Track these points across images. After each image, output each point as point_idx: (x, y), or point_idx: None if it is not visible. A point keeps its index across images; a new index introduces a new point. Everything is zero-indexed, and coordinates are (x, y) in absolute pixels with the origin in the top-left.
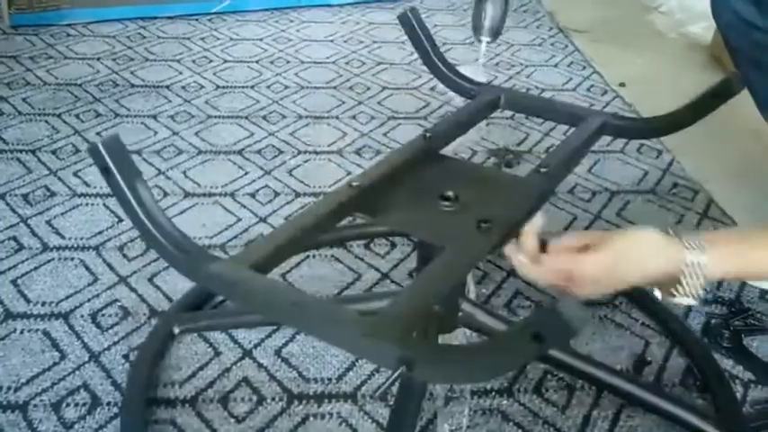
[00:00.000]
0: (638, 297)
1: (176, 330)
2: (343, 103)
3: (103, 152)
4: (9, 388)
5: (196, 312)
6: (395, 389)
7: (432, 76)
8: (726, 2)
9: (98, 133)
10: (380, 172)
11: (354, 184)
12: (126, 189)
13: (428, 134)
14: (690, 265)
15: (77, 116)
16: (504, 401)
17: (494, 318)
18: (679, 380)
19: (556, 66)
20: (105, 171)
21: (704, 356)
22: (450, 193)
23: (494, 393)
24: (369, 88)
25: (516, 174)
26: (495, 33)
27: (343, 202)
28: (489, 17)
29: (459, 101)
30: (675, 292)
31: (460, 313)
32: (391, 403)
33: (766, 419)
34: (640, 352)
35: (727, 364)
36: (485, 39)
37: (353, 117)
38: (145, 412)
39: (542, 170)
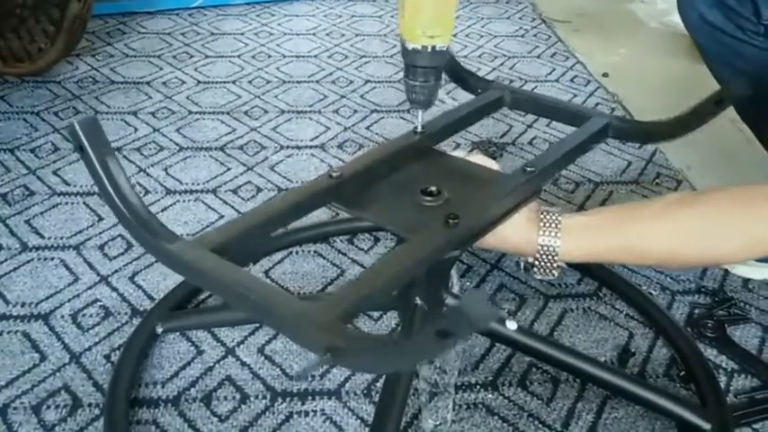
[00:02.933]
0: (622, 289)
1: (159, 330)
2: (326, 97)
3: (79, 132)
4: None
5: (179, 311)
6: (380, 384)
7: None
8: (691, 4)
9: None
10: (363, 164)
11: (334, 174)
12: (99, 167)
13: (418, 129)
14: (542, 247)
15: (56, 114)
16: (489, 395)
17: None
18: (663, 371)
19: (539, 57)
20: (80, 150)
21: (689, 347)
22: (432, 189)
23: (478, 387)
24: (351, 82)
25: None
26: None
27: (318, 192)
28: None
29: (442, 94)
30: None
31: (445, 308)
32: (375, 399)
33: (751, 409)
34: (624, 343)
35: (710, 354)
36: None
37: (336, 111)
38: (127, 413)
39: (528, 169)
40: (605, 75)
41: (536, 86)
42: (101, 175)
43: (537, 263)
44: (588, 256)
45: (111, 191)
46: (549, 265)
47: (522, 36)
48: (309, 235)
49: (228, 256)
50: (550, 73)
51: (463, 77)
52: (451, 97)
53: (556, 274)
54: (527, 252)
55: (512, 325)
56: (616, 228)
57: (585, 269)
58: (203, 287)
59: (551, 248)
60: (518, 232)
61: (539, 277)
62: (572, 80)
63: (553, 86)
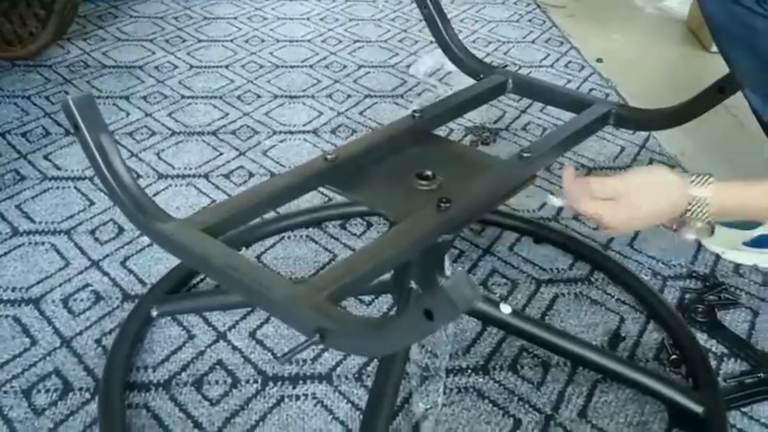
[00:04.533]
0: (615, 272)
1: (154, 313)
2: (319, 81)
3: (74, 109)
4: None
5: (174, 295)
6: (371, 368)
7: (411, 53)
8: None
9: None
10: (359, 147)
11: (329, 156)
12: (93, 145)
13: (417, 114)
14: (695, 202)
15: (47, 98)
16: (480, 379)
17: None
18: (653, 355)
19: (533, 42)
20: (75, 127)
21: (681, 330)
22: (428, 173)
23: (469, 371)
24: (345, 66)
25: (492, 152)
26: None
27: (312, 174)
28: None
29: (434, 81)
30: (685, 227)
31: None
32: (367, 384)
33: (740, 393)
34: (615, 328)
35: (701, 338)
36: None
37: (329, 96)
38: (123, 397)
39: (524, 155)
40: (600, 60)
41: (530, 72)
42: (94, 153)
43: (692, 215)
44: (734, 206)
45: (105, 169)
46: (702, 214)
47: (517, 21)
48: (302, 220)
49: (220, 236)
50: (545, 58)
51: (464, 61)
52: (444, 83)
53: (710, 229)
54: (681, 209)
55: (506, 309)
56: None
57: (578, 253)
58: (194, 267)
59: (702, 199)
60: (672, 193)
61: (691, 236)
62: (566, 65)
63: (548, 72)
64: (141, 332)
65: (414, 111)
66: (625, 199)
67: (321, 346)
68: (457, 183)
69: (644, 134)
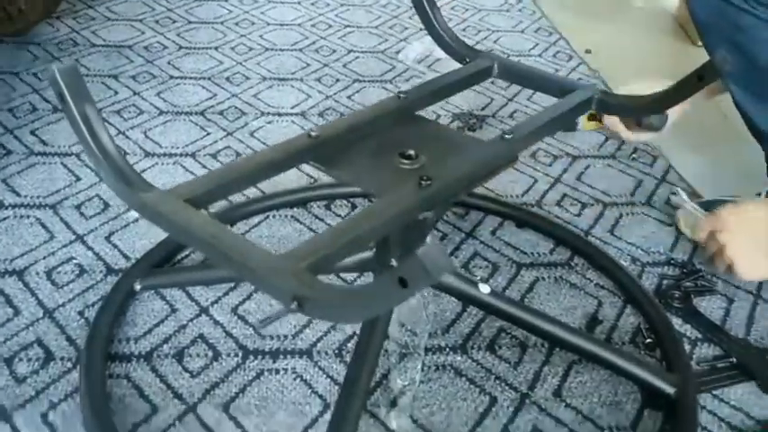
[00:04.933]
0: (594, 257)
1: (137, 287)
2: (308, 65)
3: (59, 79)
4: None
5: (157, 269)
6: (351, 345)
7: (400, 39)
8: None
9: None
10: (343, 125)
11: (313, 133)
12: (77, 115)
13: (402, 95)
14: None
15: (35, 75)
16: (458, 358)
17: (454, 277)
18: (629, 338)
19: (523, 32)
20: (60, 97)
21: (657, 315)
22: (410, 152)
23: (448, 350)
24: (335, 51)
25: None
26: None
27: (296, 150)
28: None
29: (423, 67)
30: None
31: None
32: (346, 359)
33: (712, 376)
34: (593, 311)
35: (676, 323)
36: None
37: (318, 80)
38: (104, 366)
39: (506, 137)
40: (588, 51)
41: (518, 60)
42: (79, 122)
43: None
44: None
45: (89, 138)
46: None
47: (508, 11)
48: (287, 200)
49: (202, 208)
50: (533, 48)
51: (451, 45)
52: (433, 70)
53: None
54: None
55: (485, 288)
56: None
57: (559, 238)
58: (175, 237)
59: None
60: None
61: None
62: (554, 55)
63: (536, 61)
64: (124, 304)
65: (399, 92)
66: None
67: (303, 323)
68: (438, 162)
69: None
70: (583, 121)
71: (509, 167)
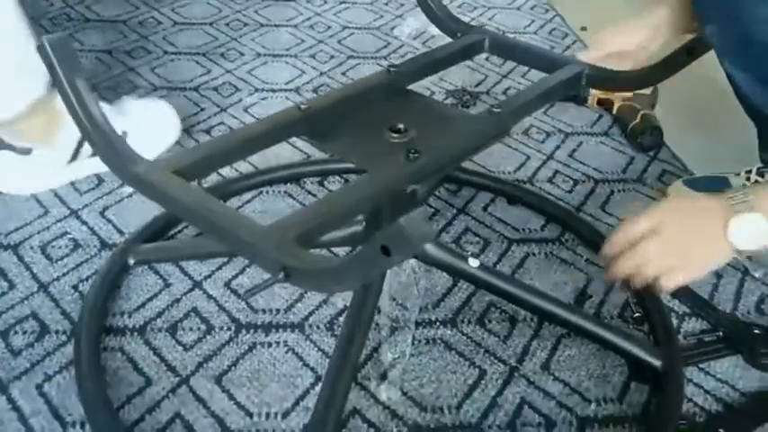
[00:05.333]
0: (583, 233)
1: (131, 261)
2: (303, 41)
3: (49, 50)
4: None
5: (151, 244)
6: (342, 318)
7: (396, 16)
8: None
9: None
10: (334, 98)
11: (303, 106)
12: (67, 86)
13: (393, 69)
14: (736, 203)
15: None
16: (448, 332)
17: (444, 251)
18: (617, 313)
19: (519, 9)
20: (50, 67)
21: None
22: (400, 126)
23: (438, 324)
24: (330, 27)
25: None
26: None
27: (285, 123)
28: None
29: (418, 44)
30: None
31: None
32: (338, 333)
33: (699, 350)
34: (582, 287)
35: (664, 298)
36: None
37: (313, 56)
38: (98, 338)
39: (495, 110)
40: (584, 28)
41: (514, 37)
42: (68, 93)
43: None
44: None
45: (78, 109)
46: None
47: None
48: (280, 175)
49: (192, 179)
50: (529, 25)
51: (442, 19)
52: (428, 46)
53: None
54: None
55: (474, 262)
56: None
57: (551, 214)
58: (165, 208)
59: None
60: (714, 223)
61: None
62: (550, 33)
63: (531, 38)
64: (118, 279)
65: (389, 66)
66: (661, 235)
67: (295, 297)
68: (427, 136)
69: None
70: (593, 98)
71: (498, 141)
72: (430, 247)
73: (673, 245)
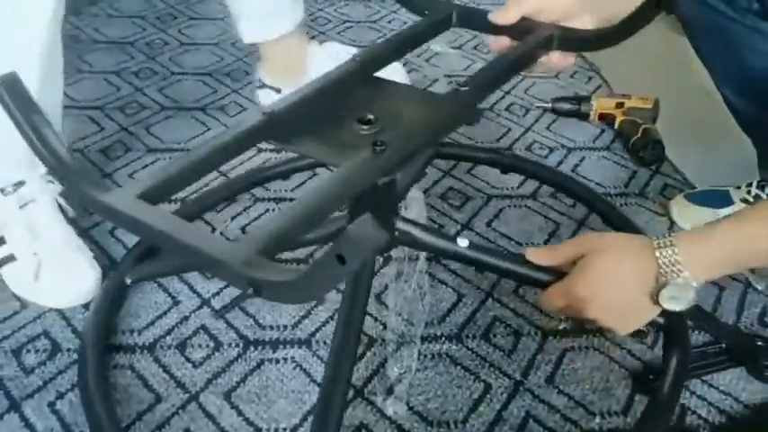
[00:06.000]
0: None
1: (128, 281)
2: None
3: (1, 89)
4: None
5: (147, 262)
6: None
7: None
8: None
9: None
10: (298, 97)
11: (267, 110)
12: (24, 123)
13: (357, 57)
14: (664, 262)
15: None
16: (453, 346)
17: (428, 233)
18: None
19: None
20: (5, 107)
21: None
22: (369, 117)
23: (443, 339)
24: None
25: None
26: None
27: (249, 130)
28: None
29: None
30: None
31: (396, 232)
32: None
33: (702, 362)
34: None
35: None
36: None
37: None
38: (101, 357)
39: (462, 89)
40: None
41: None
42: (27, 130)
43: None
44: (717, 259)
45: (39, 145)
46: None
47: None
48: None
49: (159, 201)
50: None
51: None
52: (433, 65)
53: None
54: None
55: (463, 242)
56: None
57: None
58: (134, 233)
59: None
60: (639, 267)
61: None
62: None
63: None
64: (117, 299)
65: (354, 55)
66: (589, 262)
67: (302, 313)
68: (395, 125)
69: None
70: (594, 113)
71: (471, 122)
72: (417, 232)
73: (607, 314)
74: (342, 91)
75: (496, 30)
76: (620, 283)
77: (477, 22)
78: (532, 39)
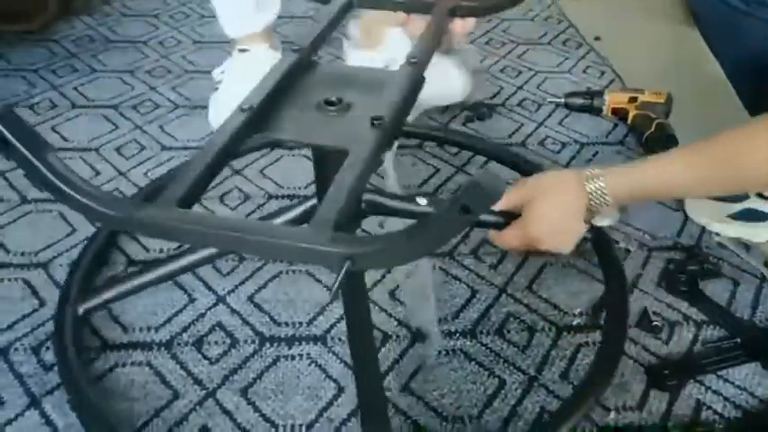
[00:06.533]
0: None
1: (81, 311)
2: (320, 57)
3: (1, 126)
4: None
5: (97, 288)
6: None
7: None
8: None
9: (75, 88)
10: (265, 91)
11: (245, 107)
12: (34, 159)
13: (295, 47)
14: (592, 192)
15: (54, 71)
16: (468, 342)
17: (393, 199)
18: (635, 322)
19: (532, 20)
20: (4, 143)
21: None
22: (333, 98)
23: (458, 335)
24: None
25: (488, 127)
26: None
27: (240, 127)
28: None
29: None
30: (593, 217)
31: (363, 204)
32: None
33: (717, 357)
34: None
35: (682, 306)
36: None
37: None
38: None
39: (413, 60)
40: (597, 38)
41: (527, 49)
42: (36, 164)
43: (594, 207)
44: (633, 190)
45: (55, 179)
46: (603, 203)
47: None
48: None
49: (190, 206)
50: (543, 36)
51: None
52: None
53: (616, 216)
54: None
55: (422, 201)
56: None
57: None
58: (189, 243)
59: (599, 189)
60: (571, 191)
61: (601, 223)
62: (564, 43)
63: (545, 49)
64: (75, 331)
65: (293, 47)
66: (528, 215)
67: (317, 310)
68: (364, 100)
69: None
70: (607, 107)
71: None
72: (378, 198)
73: (553, 242)
74: (294, 80)
75: (393, 4)
76: (562, 217)
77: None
78: (437, 11)
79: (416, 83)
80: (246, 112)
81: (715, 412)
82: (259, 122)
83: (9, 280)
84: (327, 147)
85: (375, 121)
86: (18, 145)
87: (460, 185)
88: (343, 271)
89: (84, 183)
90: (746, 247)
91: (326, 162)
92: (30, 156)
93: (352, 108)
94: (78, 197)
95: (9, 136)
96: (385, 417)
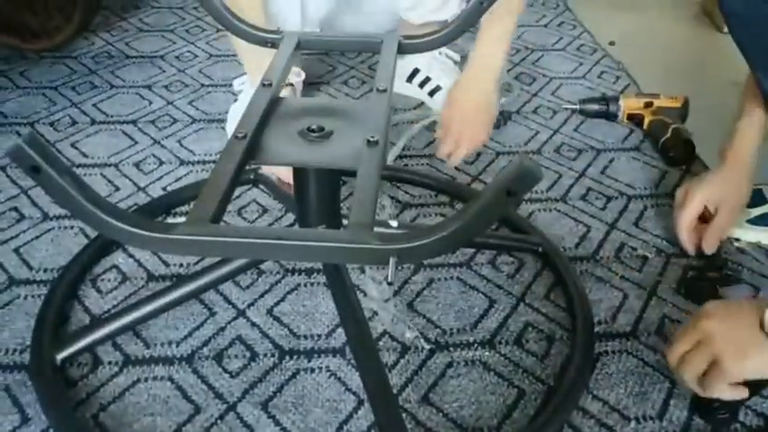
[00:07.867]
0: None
1: (59, 359)
2: (335, 68)
3: (30, 151)
4: (15, 350)
5: (73, 333)
6: (382, 343)
7: None
8: None
9: (94, 104)
10: (254, 118)
11: (239, 135)
12: (64, 184)
13: (266, 81)
14: None
15: (74, 88)
16: (486, 353)
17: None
18: (654, 329)
19: (546, 26)
20: (34, 170)
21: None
22: (314, 126)
23: (476, 345)
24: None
25: (503, 135)
26: None
27: (240, 155)
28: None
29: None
30: None
31: None
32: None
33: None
34: (618, 304)
35: None
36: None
37: (345, 82)
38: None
39: (381, 88)
40: (612, 43)
41: (542, 55)
42: (68, 190)
43: None
44: None
45: (88, 204)
46: None
47: (531, 5)
48: None
49: (219, 221)
50: (557, 42)
51: (252, 34)
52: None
53: None
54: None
55: (394, 223)
56: None
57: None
58: (230, 256)
59: None
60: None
61: None
62: (578, 49)
63: (559, 55)
64: (53, 377)
65: (263, 81)
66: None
67: (336, 322)
68: (341, 125)
69: None
70: (623, 113)
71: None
72: None
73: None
74: (270, 114)
75: (339, 47)
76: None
77: (320, 44)
78: (388, 49)
79: (390, 104)
80: (242, 139)
81: (737, 420)
82: (255, 151)
83: (32, 296)
84: (334, 167)
85: (369, 140)
86: (51, 172)
87: (503, 168)
88: (392, 265)
89: (113, 208)
90: (766, 252)
91: (308, 183)
92: (60, 181)
93: (333, 132)
94: (113, 222)
95: (42, 162)
96: (402, 426)
